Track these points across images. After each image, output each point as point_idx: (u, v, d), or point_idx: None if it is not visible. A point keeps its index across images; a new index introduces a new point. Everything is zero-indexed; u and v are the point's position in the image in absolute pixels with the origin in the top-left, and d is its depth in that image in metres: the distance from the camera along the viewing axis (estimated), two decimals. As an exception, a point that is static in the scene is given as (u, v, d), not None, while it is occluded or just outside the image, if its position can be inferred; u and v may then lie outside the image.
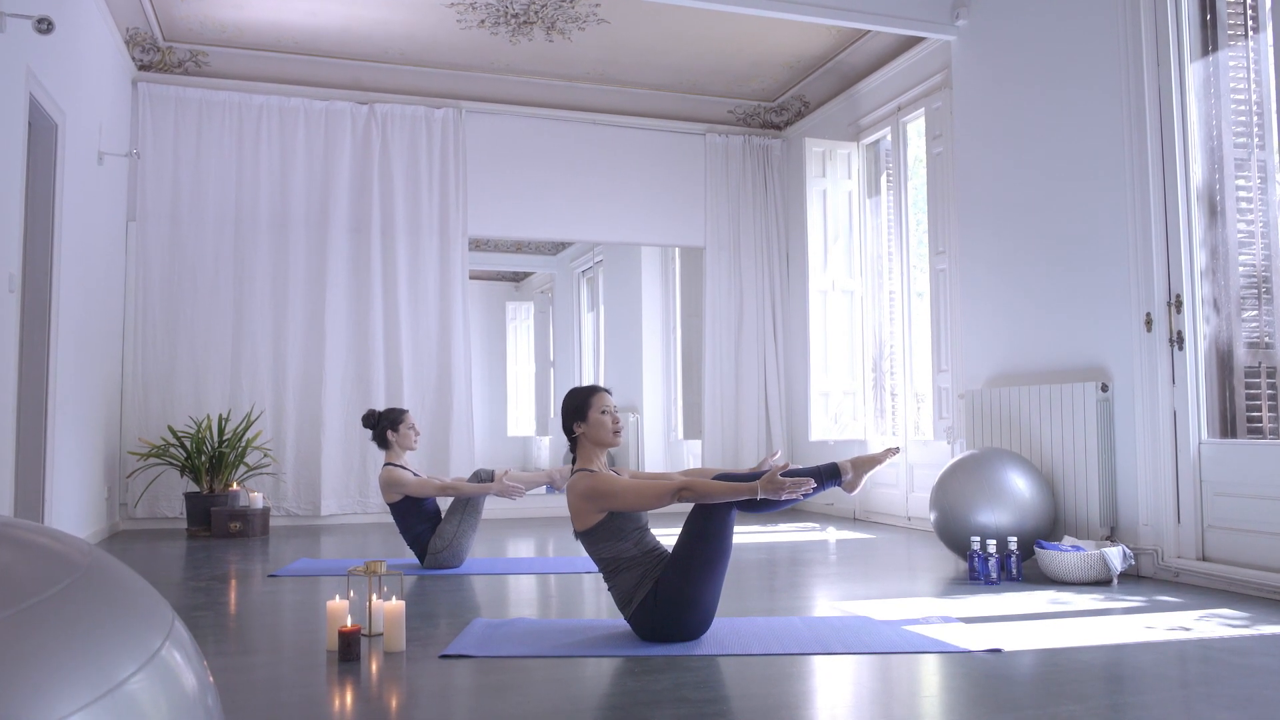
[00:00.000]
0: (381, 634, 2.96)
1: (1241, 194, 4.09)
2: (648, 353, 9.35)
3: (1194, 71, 4.19)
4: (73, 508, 5.16)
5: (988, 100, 5.33)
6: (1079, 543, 4.18)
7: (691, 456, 8.85)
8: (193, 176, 6.67)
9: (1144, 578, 4.18)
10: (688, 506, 2.90)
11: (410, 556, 4.82)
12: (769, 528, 6.29)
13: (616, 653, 2.83)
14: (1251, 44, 4.06)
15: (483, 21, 6.29)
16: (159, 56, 6.60)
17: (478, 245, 10.02)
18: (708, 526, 2.87)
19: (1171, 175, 4.19)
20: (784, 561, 4.87)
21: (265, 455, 6.51)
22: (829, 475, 3.02)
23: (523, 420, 12.67)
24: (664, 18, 6.19)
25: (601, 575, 3.06)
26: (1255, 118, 4.06)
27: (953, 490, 4.39)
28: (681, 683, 2.51)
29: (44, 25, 3.96)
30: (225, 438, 6.16)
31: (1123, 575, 4.13)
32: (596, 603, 3.76)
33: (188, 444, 6.12)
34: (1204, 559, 4.02)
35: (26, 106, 4.22)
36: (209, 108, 6.73)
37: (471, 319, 7.53)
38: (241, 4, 6.02)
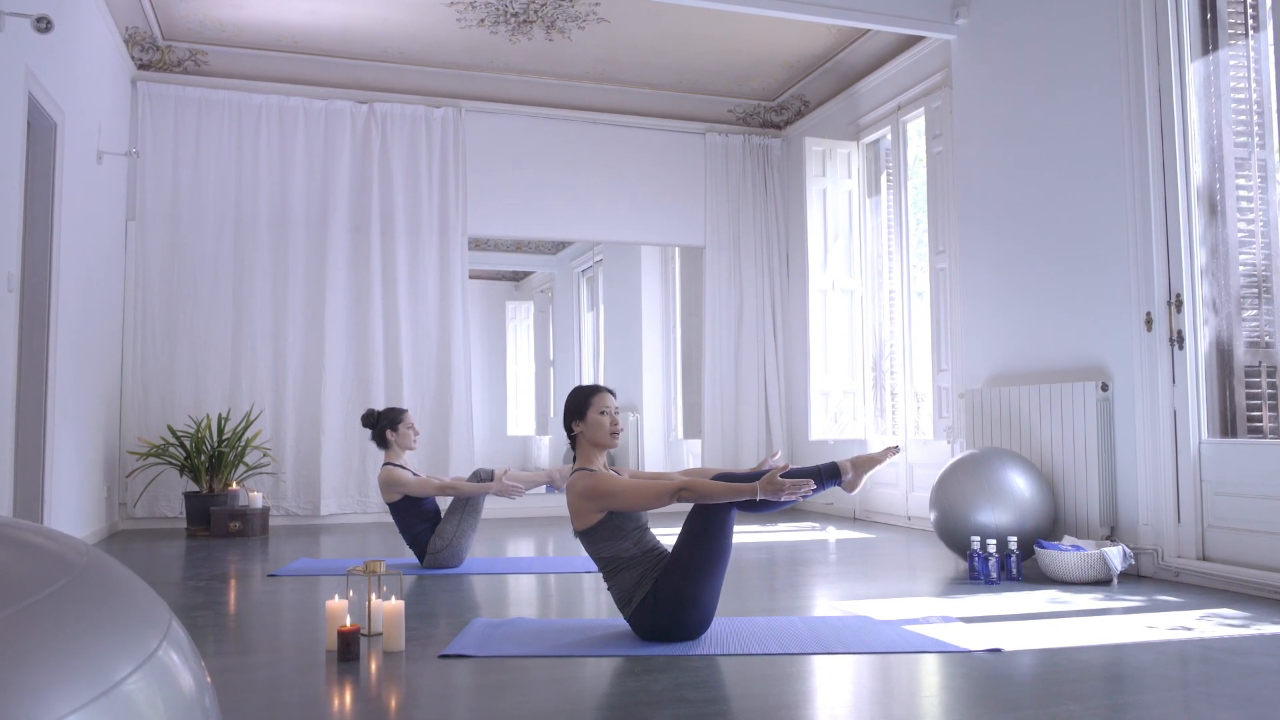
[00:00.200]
0: (381, 634, 2.96)
1: (1242, 193, 4.09)
2: (647, 352, 9.34)
3: (1194, 70, 4.19)
4: (72, 507, 5.16)
5: (988, 99, 5.32)
6: (1079, 542, 4.18)
7: (691, 456, 8.84)
8: (192, 176, 6.67)
9: (1144, 577, 4.18)
10: (687, 506, 2.90)
11: (410, 556, 4.82)
12: (769, 527, 6.29)
13: (616, 652, 2.83)
14: (1252, 43, 4.06)
15: (482, 20, 6.29)
16: (158, 55, 6.59)
17: (477, 244, 10.02)
18: (707, 526, 2.86)
19: (1172, 174, 4.18)
20: (784, 561, 4.87)
21: (265, 455, 6.51)
22: (829, 475, 3.01)
23: (522, 420, 12.67)
24: (664, 17, 6.19)
25: (601, 575, 3.05)
26: (1256, 117, 4.06)
27: (953, 490, 4.39)
28: (681, 683, 2.50)
29: (43, 24, 3.96)
30: (225, 437, 6.16)
31: (1123, 575, 4.13)
32: (596, 602, 3.76)
33: (187, 443, 6.11)
34: (1204, 559, 4.02)
35: (25, 106, 4.22)
36: (208, 107, 6.72)
37: (471, 318, 7.52)
38: (241, 3, 6.02)
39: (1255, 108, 4.06)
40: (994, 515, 4.24)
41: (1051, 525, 4.43)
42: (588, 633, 3.09)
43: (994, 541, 4.06)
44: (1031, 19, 4.98)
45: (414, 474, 4.67)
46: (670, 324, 9.30)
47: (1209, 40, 4.18)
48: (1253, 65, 4.05)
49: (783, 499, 2.74)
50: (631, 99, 7.55)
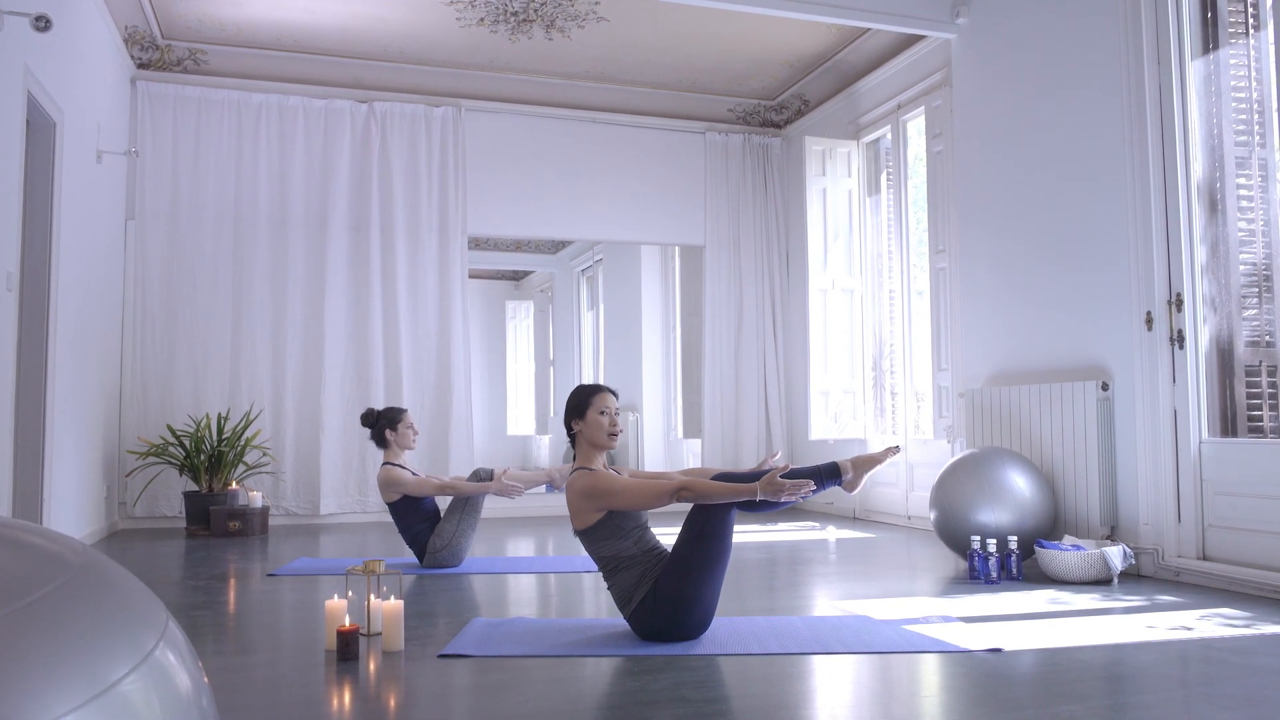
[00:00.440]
0: (380, 633, 2.96)
1: (1242, 192, 4.09)
2: (647, 352, 9.34)
3: (1194, 69, 4.18)
4: (71, 506, 5.16)
5: (988, 98, 5.32)
6: (1079, 542, 4.17)
7: (691, 456, 8.84)
8: (191, 175, 6.66)
9: (1144, 577, 4.17)
10: (687, 506, 2.90)
11: (409, 556, 4.81)
12: (769, 527, 6.29)
13: (616, 652, 2.83)
14: (1252, 42, 4.05)
15: (482, 20, 6.28)
16: (158, 55, 6.59)
17: (477, 244, 10.02)
18: (707, 526, 2.86)
19: (1172, 173, 4.18)
20: (784, 561, 4.86)
21: (264, 454, 6.51)
22: (829, 475, 3.01)
23: (522, 419, 12.66)
24: (664, 16, 6.18)
25: (601, 574, 3.05)
26: (1256, 115, 4.06)
27: (953, 489, 4.39)
28: (681, 682, 2.50)
29: (42, 23, 3.95)
30: (224, 436, 6.15)
31: (1123, 574, 4.12)
32: (596, 602, 3.75)
33: (187, 443, 6.11)
34: (1204, 558, 4.01)
35: (25, 104, 4.21)
36: (208, 106, 6.72)
37: (471, 318, 7.52)
38: (240, 2, 6.01)
39: (1256, 106, 4.06)
40: (994, 515, 4.24)
41: (1052, 525, 4.43)
42: (587, 632, 3.09)
43: (994, 541, 4.05)
44: (1031, 18, 4.98)
45: (413, 473, 4.66)
46: (670, 323, 9.30)
47: (1209, 39, 4.18)
48: (1253, 64, 4.04)
49: (783, 499, 2.74)
50: (631, 98, 7.55)
